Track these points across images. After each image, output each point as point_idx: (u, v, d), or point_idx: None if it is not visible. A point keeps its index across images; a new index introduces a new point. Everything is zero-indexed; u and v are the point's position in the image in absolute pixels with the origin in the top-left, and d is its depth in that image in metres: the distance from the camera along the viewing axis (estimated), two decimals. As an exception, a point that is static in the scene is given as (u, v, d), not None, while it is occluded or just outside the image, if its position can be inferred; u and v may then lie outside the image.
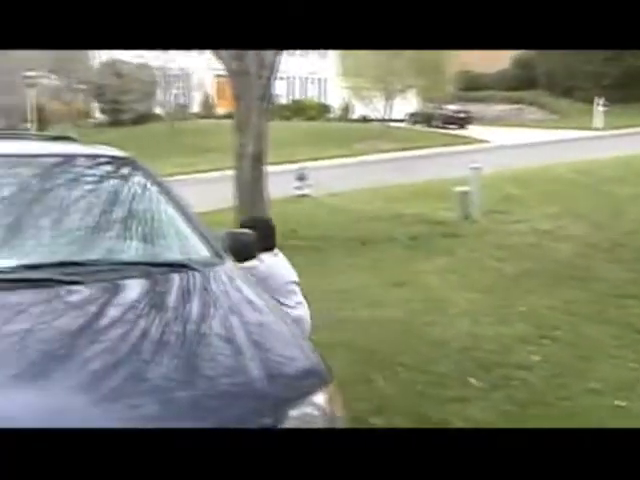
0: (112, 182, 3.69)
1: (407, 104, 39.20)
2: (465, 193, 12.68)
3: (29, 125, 36.61)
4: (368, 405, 4.56)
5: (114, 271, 2.95)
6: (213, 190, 16.31)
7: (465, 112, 40.88)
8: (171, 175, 17.65)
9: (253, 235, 3.72)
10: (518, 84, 44.44)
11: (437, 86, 36.55)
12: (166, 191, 3.63)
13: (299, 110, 43.07)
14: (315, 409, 2.36)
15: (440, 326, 6.58)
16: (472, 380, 5.15)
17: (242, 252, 3.47)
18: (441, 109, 40.72)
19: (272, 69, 10.88)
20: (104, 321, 2.59)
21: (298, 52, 42.39)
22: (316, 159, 26.93)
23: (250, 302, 2.86)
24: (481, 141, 32.79)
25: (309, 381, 2.47)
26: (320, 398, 2.40)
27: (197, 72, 39.31)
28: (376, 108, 36.01)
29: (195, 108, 41.56)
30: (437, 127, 39.77)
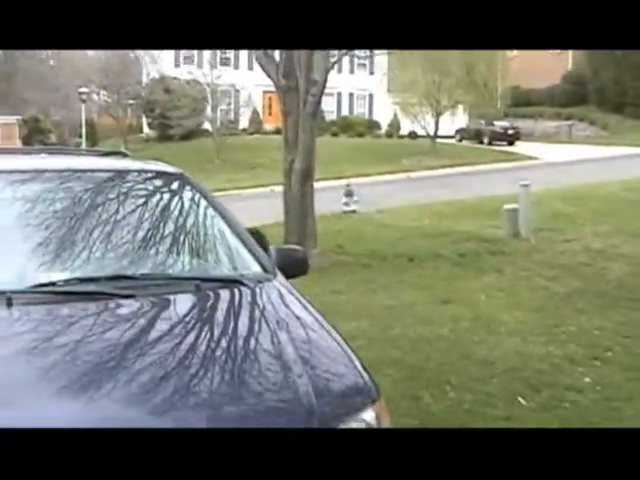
0: (163, 197, 3.74)
1: (455, 120, 39.02)
2: (514, 210, 12.54)
3: (79, 140, 37.28)
4: (414, 422, 4.53)
5: (165, 285, 3.01)
6: (259, 206, 16.41)
7: (514, 128, 40.53)
8: (218, 190, 17.80)
9: (303, 251, 3.73)
10: (568, 100, 43.93)
11: (486, 102, 36.34)
12: (216, 206, 3.66)
13: (347, 126, 43.14)
14: (364, 425, 2.36)
15: (488, 345, 6.50)
16: (521, 400, 5.09)
17: (292, 268, 3.47)
18: (490, 125, 40.42)
19: (320, 85, 10.93)
20: (154, 334, 2.63)
21: (346, 68, 42.59)
22: (364, 175, 26.98)
23: (299, 318, 2.87)
24: (530, 158, 32.47)
25: (357, 398, 2.47)
26: (368, 415, 2.39)
27: (246, 88, 39.62)
28: (424, 124, 35.88)
29: (243, 124, 41.86)
30: (486, 143, 39.54)
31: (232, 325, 2.78)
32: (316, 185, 11.98)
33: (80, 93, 35.72)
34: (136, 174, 3.87)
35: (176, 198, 3.72)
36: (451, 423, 4.59)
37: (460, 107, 37.97)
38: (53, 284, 2.87)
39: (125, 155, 4.65)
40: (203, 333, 2.74)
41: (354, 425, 2.33)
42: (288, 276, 3.30)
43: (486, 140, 39.86)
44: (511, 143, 39.29)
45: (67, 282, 2.91)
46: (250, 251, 3.36)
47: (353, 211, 18.44)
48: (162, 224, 3.48)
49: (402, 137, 41.78)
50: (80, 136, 38.03)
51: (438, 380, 5.54)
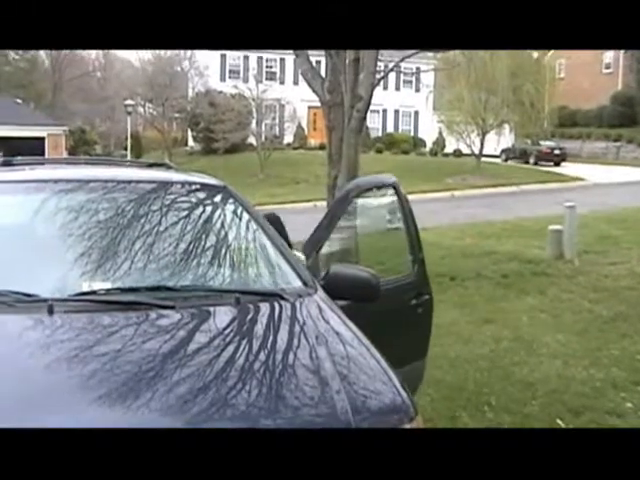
0: (206, 209, 3.77)
1: (501, 139, 38.76)
2: (558, 232, 12.39)
3: (124, 151, 37.78)
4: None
5: (205, 297, 3.02)
6: (302, 221, 16.42)
7: (560, 149, 40.09)
8: (261, 205, 17.88)
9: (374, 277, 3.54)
10: (617, 121, 43.34)
11: (532, 122, 36.02)
12: (258, 219, 3.68)
13: (392, 143, 43.11)
14: None
15: (529, 366, 6.44)
16: (560, 422, 5.01)
17: (361, 293, 3.40)
18: (536, 145, 40.06)
19: (366, 101, 10.94)
20: (193, 346, 2.64)
21: (392, 85, 42.62)
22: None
23: (338, 333, 2.86)
24: (576, 179, 32.08)
25: (395, 415, 2.46)
26: None
27: (291, 103, 39.83)
28: (469, 143, 35.69)
29: (288, 139, 42.06)
30: (531, 163, 39.20)
31: (271, 339, 2.79)
32: (359, 201, 11.96)
33: (126, 105, 36.24)
34: (179, 186, 3.91)
35: (218, 210, 3.74)
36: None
37: (506, 126, 37.66)
38: (94, 293, 2.92)
39: (169, 167, 4.70)
40: (242, 346, 2.74)
41: None
42: (356, 300, 3.32)
43: (532, 160, 39.49)
44: (557, 164, 38.87)
45: (108, 291, 2.95)
46: (291, 265, 3.36)
47: (397, 228, 18.37)
48: (204, 236, 3.50)
49: (447, 155, 41.63)
50: (125, 148, 38.60)
51: (477, 400, 5.50)
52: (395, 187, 4.47)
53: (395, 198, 4.47)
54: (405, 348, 4.15)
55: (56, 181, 3.72)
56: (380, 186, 4.42)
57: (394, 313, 4.07)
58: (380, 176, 4.40)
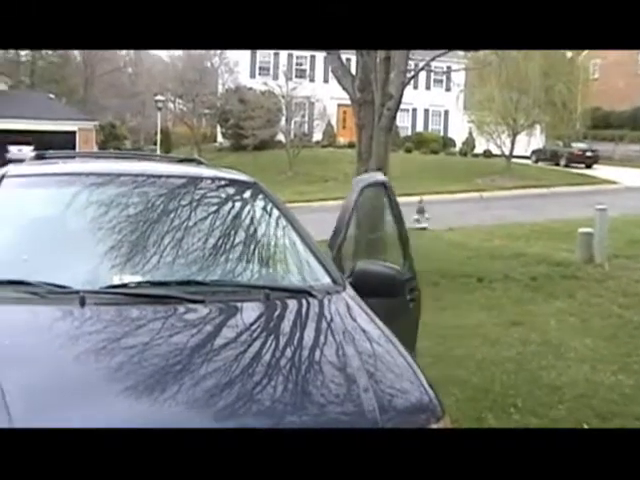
0: (235, 205, 3.78)
1: (532, 140, 38.46)
2: (589, 235, 12.28)
3: (154, 146, 38.00)
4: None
5: (234, 293, 3.03)
6: (330, 219, 16.42)
7: (593, 151, 39.68)
8: (289, 202, 17.89)
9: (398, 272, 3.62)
10: (651, 124, 42.85)
11: (564, 123, 35.69)
12: (288, 216, 3.68)
13: (421, 142, 42.96)
14: None
15: (556, 370, 6.38)
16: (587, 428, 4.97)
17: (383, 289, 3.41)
18: (567, 147, 39.70)
19: (396, 99, 10.91)
20: (220, 341, 2.66)
21: (422, 84, 42.47)
22: (436, 193, 26.80)
23: (366, 331, 2.86)
24: (608, 182, 31.78)
25: (422, 415, 2.45)
26: None
27: (321, 101, 39.82)
28: (499, 143, 35.46)
29: (317, 137, 42.05)
30: (562, 165, 38.86)
31: (298, 335, 2.79)
32: (387, 200, 11.93)
33: (156, 101, 36.46)
34: (210, 181, 3.92)
35: (249, 206, 3.75)
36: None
37: (537, 127, 37.37)
38: (125, 286, 2.93)
39: (200, 162, 4.72)
40: (269, 342, 2.75)
41: None
42: (378, 296, 3.30)
43: (563, 162, 39.13)
44: (589, 166, 38.52)
45: (139, 284, 2.97)
46: (320, 262, 3.36)
47: (424, 228, 18.32)
48: (233, 232, 3.51)
49: (476, 156, 41.39)
50: (155, 143, 38.82)
51: (503, 402, 5.46)
52: (385, 185, 4.47)
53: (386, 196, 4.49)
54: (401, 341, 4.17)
55: (88, 174, 3.76)
56: (373, 184, 4.42)
57: (396, 307, 4.07)
58: (373, 174, 4.43)
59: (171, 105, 45.35)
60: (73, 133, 40.88)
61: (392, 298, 3.47)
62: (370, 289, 3.31)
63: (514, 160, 35.00)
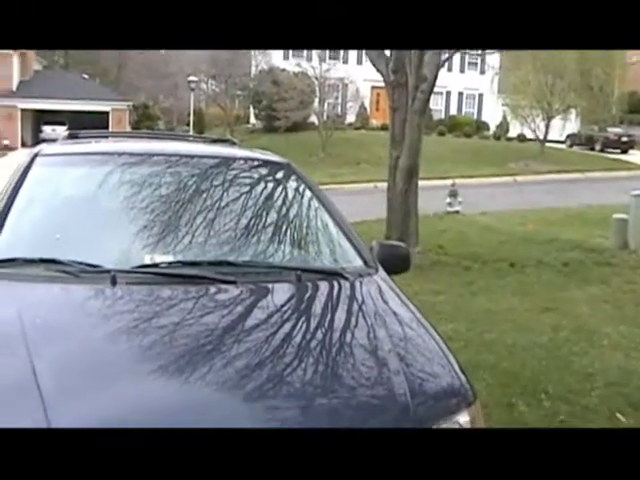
0: (268, 185, 3.76)
1: (567, 125, 38.02)
2: (623, 221, 12.13)
3: (187, 127, 38.10)
4: (507, 430, 4.46)
5: (265, 274, 3.02)
6: (362, 201, 16.41)
7: (629, 136, 39.14)
8: (321, 184, 17.86)
9: (406, 248, 3.68)
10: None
11: (600, 107, 35.25)
12: (321, 198, 3.66)
13: (454, 126, 42.67)
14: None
15: (589, 357, 6.30)
16: (620, 416, 4.91)
17: (394, 264, 3.42)
18: (603, 131, 39.18)
19: (430, 82, 10.83)
20: (251, 322, 2.65)
21: (457, 67, 42.10)
22: (469, 176, 26.65)
23: (398, 314, 2.84)
24: (644, 167, 31.39)
25: (453, 399, 2.42)
26: (463, 418, 2.35)
27: (354, 83, 39.61)
28: (534, 127, 35.10)
29: (350, 119, 41.89)
30: (597, 150, 38.39)
31: (329, 317, 2.77)
32: (420, 184, 11.88)
33: (189, 82, 36.48)
34: (243, 161, 3.91)
35: (282, 187, 3.74)
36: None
37: (572, 111, 36.94)
38: (156, 266, 2.94)
39: (233, 143, 4.71)
40: (300, 323, 2.74)
41: (449, 427, 2.29)
42: (389, 272, 3.26)
43: (598, 147, 38.67)
44: (625, 151, 38.02)
45: (170, 265, 2.97)
46: (352, 244, 3.34)
47: (456, 212, 18.26)
48: (266, 212, 3.50)
49: (510, 139, 41.03)
50: (187, 124, 38.88)
51: (534, 389, 5.41)
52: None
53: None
54: None
55: (121, 154, 3.77)
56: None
57: None
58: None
59: (204, 86, 45.30)
60: (106, 113, 41.18)
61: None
62: (384, 265, 3.31)
63: (548, 144, 34.64)
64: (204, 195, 3.47)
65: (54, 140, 4.47)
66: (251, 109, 45.00)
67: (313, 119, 38.87)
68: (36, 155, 3.63)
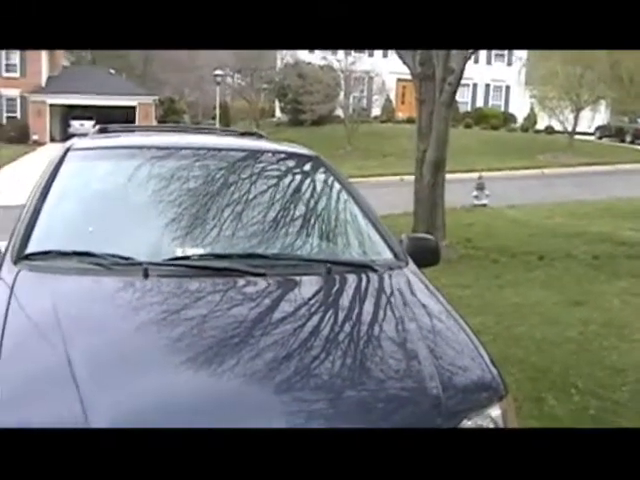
0: (298, 178, 3.77)
1: (596, 116, 37.61)
2: (654, 213, 12.00)
3: (212, 121, 38.21)
4: (537, 424, 4.44)
5: (295, 266, 3.03)
6: (388, 194, 16.37)
7: (660, 127, 38.70)
8: (348, 177, 17.86)
9: (436, 241, 3.67)
10: None
11: (631, 99, 34.77)
12: (350, 191, 3.65)
13: (481, 118, 42.41)
14: (490, 422, 2.31)
15: (619, 352, 6.24)
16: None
17: (423, 257, 3.40)
18: (633, 123, 38.71)
19: (458, 74, 10.76)
20: (281, 314, 2.65)
21: (483, 58, 41.80)
22: (496, 169, 26.49)
23: (428, 307, 2.84)
24: (675, 159, 30.98)
25: (484, 393, 2.41)
26: (495, 411, 2.34)
27: (380, 75, 39.46)
28: (562, 119, 34.76)
29: (376, 112, 41.77)
30: (628, 142, 37.95)
31: (359, 310, 2.77)
32: (447, 177, 11.83)
33: (215, 76, 36.56)
34: (271, 154, 3.92)
35: (311, 180, 3.74)
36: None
37: (602, 103, 36.51)
38: (188, 258, 2.96)
39: (261, 136, 4.71)
40: (329, 316, 2.74)
41: (479, 421, 2.28)
42: (419, 265, 3.25)
43: (628, 138, 38.24)
44: (656, 143, 37.56)
45: (201, 257, 2.99)
46: (382, 237, 3.33)
47: (484, 205, 18.15)
48: (295, 205, 3.50)
49: (538, 132, 40.69)
50: (213, 117, 39.03)
51: (563, 383, 5.37)
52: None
53: None
54: None
55: (151, 147, 3.80)
56: None
57: None
58: None
59: (230, 80, 45.38)
60: (133, 108, 41.43)
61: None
62: (415, 258, 3.30)
63: (577, 136, 34.31)
64: (233, 188, 3.49)
65: (84, 135, 4.50)
66: (276, 102, 45.00)
67: (339, 112, 38.76)
68: (68, 149, 3.67)
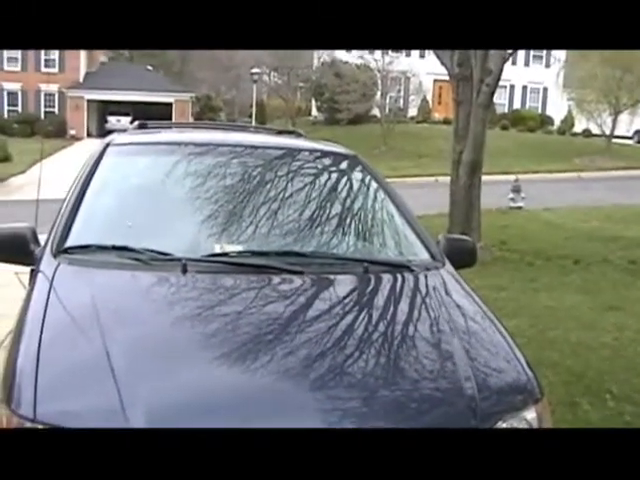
0: (336, 177, 3.76)
1: (635, 120, 37.11)
2: (693, 219, 11.84)
3: (248, 119, 38.31)
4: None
5: (332, 265, 3.03)
6: (423, 195, 16.32)
7: (700, 132, 38.13)
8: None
9: (473, 242, 3.65)
10: None
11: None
12: (387, 190, 3.64)
13: (518, 120, 42.08)
14: (525, 425, 2.30)
15: (656, 358, 6.17)
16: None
17: (460, 258, 3.38)
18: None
19: (496, 75, 10.70)
20: (316, 312, 2.66)
21: (521, 60, 41.47)
22: (533, 172, 26.31)
23: (464, 308, 2.82)
24: None
25: (519, 395, 2.40)
26: (530, 414, 2.33)
27: (417, 76, 39.33)
28: (600, 122, 34.38)
29: (412, 112, 41.64)
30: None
31: (394, 310, 2.77)
32: (483, 178, 11.76)
33: (252, 74, 36.68)
34: (309, 153, 3.92)
35: (349, 179, 3.73)
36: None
37: (641, 106, 36.06)
38: (226, 255, 2.97)
39: (299, 134, 4.72)
40: (364, 315, 2.74)
41: (514, 424, 2.27)
42: (455, 266, 3.23)
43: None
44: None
45: (240, 254, 3.00)
46: (419, 237, 3.32)
47: (519, 207, 18.04)
48: (332, 204, 3.50)
49: (575, 135, 40.27)
50: (249, 115, 39.14)
51: (598, 388, 5.32)
52: None
53: None
54: None
55: (190, 144, 3.81)
56: None
57: None
58: None
59: (266, 78, 45.47)
60: (169, 104, 41.74)
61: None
62: (452, 259, 3.28)
63: (615, 140, 33.93)
64: (270, 185, 3.49)
65: (122, 130, 4.54)
66: (313, 101, 45.03)
67: (375, 112, 38.72)
68: (108, 144, 3.69)
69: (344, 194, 3.61)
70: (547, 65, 43.25)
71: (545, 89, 45.18)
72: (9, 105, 41.62)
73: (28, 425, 2.01)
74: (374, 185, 3.65)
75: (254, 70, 36.85)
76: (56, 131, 38.29)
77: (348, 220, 3.45)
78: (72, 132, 39.64)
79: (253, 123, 35.08)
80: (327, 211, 3.42)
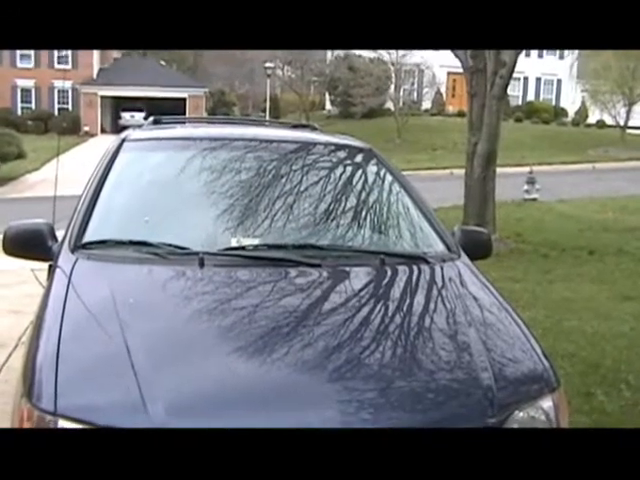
0: (351, 170, 3.76)
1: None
2: None
3: (262, 113, 38.31)
4: (586, 419, 4.40)
5: (349, 257, 3.04)
6: (438, 188, 16.31)
7: None
8: (397, 170, 17.80)
9: (488, 234, 3.65)
10: None
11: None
12: (402, 183, 3.64)
13: (532, 112, 41.91)
14: (542, 414, 2.31)
15: (672, 348, 6.16)
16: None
17: (475, 249, 3.37)
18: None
19: (509, 67, 10.68)
20: (332, 304, 2.66)
21: (535, 52, 41.27)
22: (547, 163, 26.20)
23: (479, 299, 2.82)
24: None
25: (536, 385, 2.41)
26: (546, 403, 2.34)
27: (430, 68, 39.20)
28: (614, 113, 34.19)
29: (426, 105, 41.52)
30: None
31: (410, 301, 2.78)
32: (497, 170, 11.74)
33: (265, 68, 36.68)
34: (324, 146, 3.93)
35: (364, 172, 3.74)
36: (625, 424, 4.40)
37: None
38: (243, 248, 2.98)
39: (314, 128, 4.73)
40: (381, 307, 2.75)
41: (531, 413, 2.28)
42: (470, 257, 3.23)
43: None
44: None
45: (257, 247, 3.01)
46: (435, 229, 3.32)
47: (534, 199, 17.98)
48: (348, 197, 3.50)
49: (589, 126, 40.08)
50: (263, 110, 39.15)
51: (614, 378, 5.31)
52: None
53: None
54: None
55: (206, 139, 3.83)
56: None
57: None
58: None
59: (280, 72, 45.46)
60: (183, 100, 41.77)
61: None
62: (467, 250, 3.28)
63: (629, 131, 33.76)
64: (285, 179, 3.49)
65: (137, 126, 4.56)
66: (327, 95, 44.95)
67: (389, 105, 38.61)
68: (124, 140, 3.70)
69: (359, 187, 3.62)
70: (561, 57, 42.96)
71: (559, 81, 44.94)
72: (23, 102, 41.80)
73: (49, 419, 2.03)
74: (389, 177, 3.65)
75: (267, 64, 36.83)
76: (70, 128, 38.37)
77: (364, 213, 3.46)
78: (86, 128, 39.76)
79: (267, 117, 35.09)
80: (343, 204, 3.43)
